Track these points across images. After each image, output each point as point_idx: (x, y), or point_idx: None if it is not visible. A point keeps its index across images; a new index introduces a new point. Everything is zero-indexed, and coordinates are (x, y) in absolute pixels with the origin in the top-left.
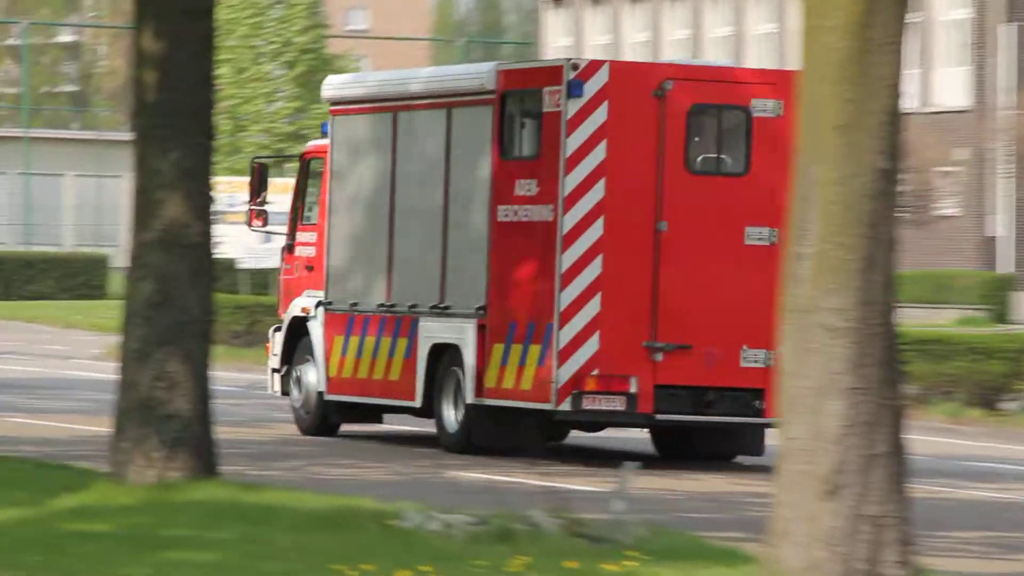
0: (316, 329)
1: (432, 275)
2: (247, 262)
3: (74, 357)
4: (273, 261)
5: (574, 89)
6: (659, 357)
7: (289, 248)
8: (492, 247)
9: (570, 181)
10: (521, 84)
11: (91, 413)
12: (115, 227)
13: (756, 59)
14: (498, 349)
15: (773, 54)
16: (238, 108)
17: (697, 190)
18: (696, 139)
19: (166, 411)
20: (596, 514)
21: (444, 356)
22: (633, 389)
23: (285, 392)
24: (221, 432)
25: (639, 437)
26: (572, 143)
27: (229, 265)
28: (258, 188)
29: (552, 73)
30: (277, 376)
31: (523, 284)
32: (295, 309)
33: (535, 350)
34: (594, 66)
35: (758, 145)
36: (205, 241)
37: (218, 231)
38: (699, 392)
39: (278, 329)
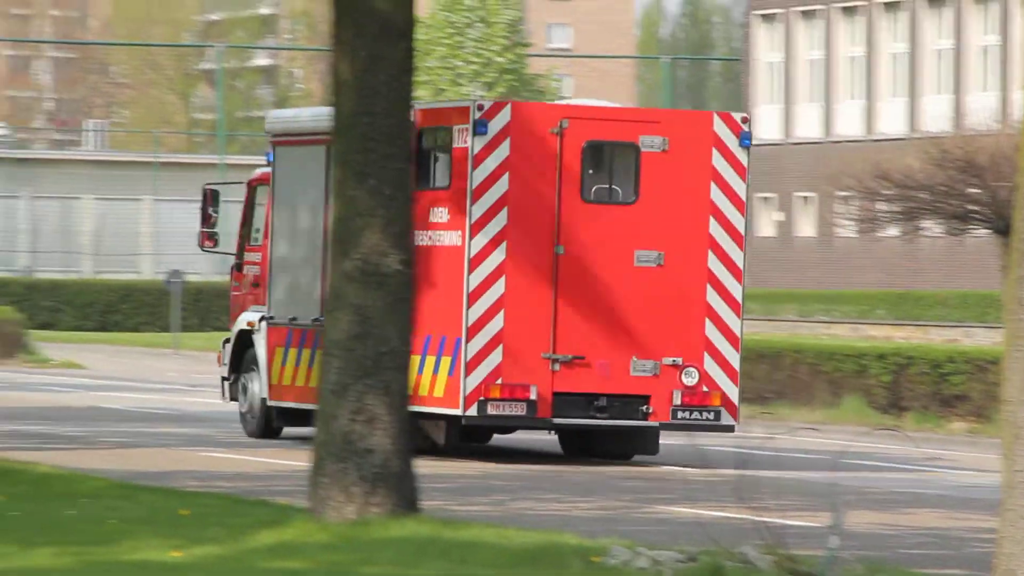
0: (260, 341)
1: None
2: None
3: None
4: None
5: (479, 127)
6: (557, 367)
7: (238, 267)
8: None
9: (476, 210)
10: (435, 122)
11: (290, 447)
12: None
13: (977, 73)
14: (415, 361)
15: (995, 67)
16: None
17: (591, 217)
18: (590, 172)
19: (365, 445)
20: (810, 550)
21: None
22: (533, 396)
23: (233, 398)
24: (421, 466)
25: (546, 439)
26: (478, 176)
27: None
28: (209, 212)
29: (461, 112)
30: (226, 384)
31: (436, 302)
32: (242, 323)
33: (446, 361)
34: (498, 107)
35: (646, 177)
36: (404, 270)
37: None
38: (593, 398)
39: (228, 341)
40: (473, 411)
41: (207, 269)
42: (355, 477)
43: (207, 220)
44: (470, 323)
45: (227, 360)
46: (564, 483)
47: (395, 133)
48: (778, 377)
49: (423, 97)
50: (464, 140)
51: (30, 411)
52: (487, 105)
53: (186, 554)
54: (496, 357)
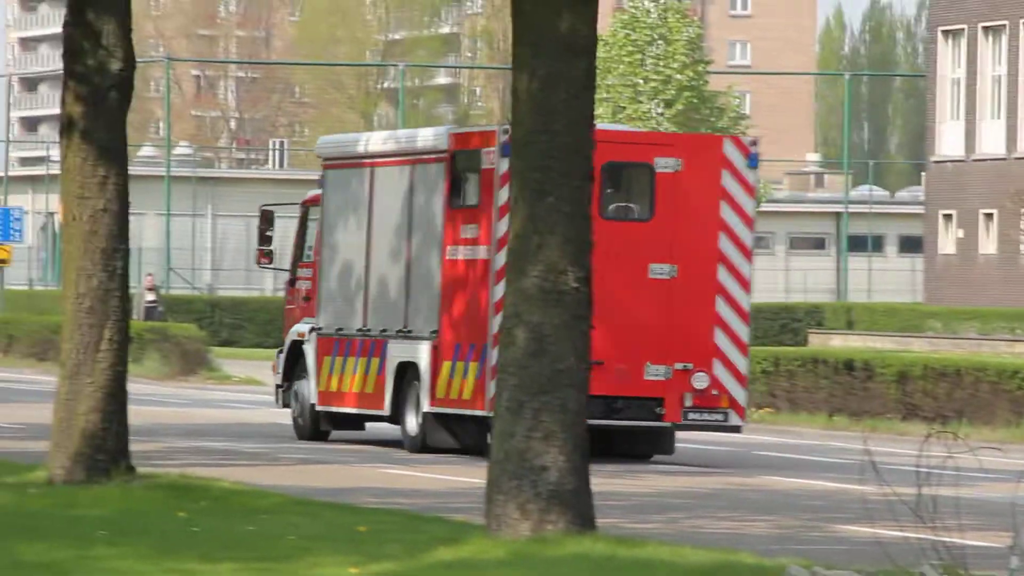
0: (310, 351)
1: (398, 305)
2: None
3: None
4: None
5: (505, 150)
6: None
7: (291, 282)
8: (443, 281)
9: (502, 226)
10: (466, 145)
11: (467, 464)
12: None
13: None
14: (446, 366)
15: None
16: None
17: (609, 233)
18: (608, 190)
19: (541, 463)
20: (991, 571)
21: (407, 372)
22: None
23: (286, 404)
24: (595, 483)
25: None
26: (504, 194)
27: None
28: (265, 231)
29: (489, 136)
30: (280, 391)
31: (465, 312)
32: (294, 334)
33: (474, 367)
34: None
35: (660, 196)
36: (582, 288)
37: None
38: (610, 401)
39: (281, 351)
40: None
41: None
42: (531, 494)
43: (263, 239)
44: (495, 331)
45: (281, 369)
46: (739, 500)
47: (574, 151)
48: (959, 396)
49: (603, 116)
50: (491, 162)
51: (212, 427)
52: (508, 127)
53: (364, 570)
54: None
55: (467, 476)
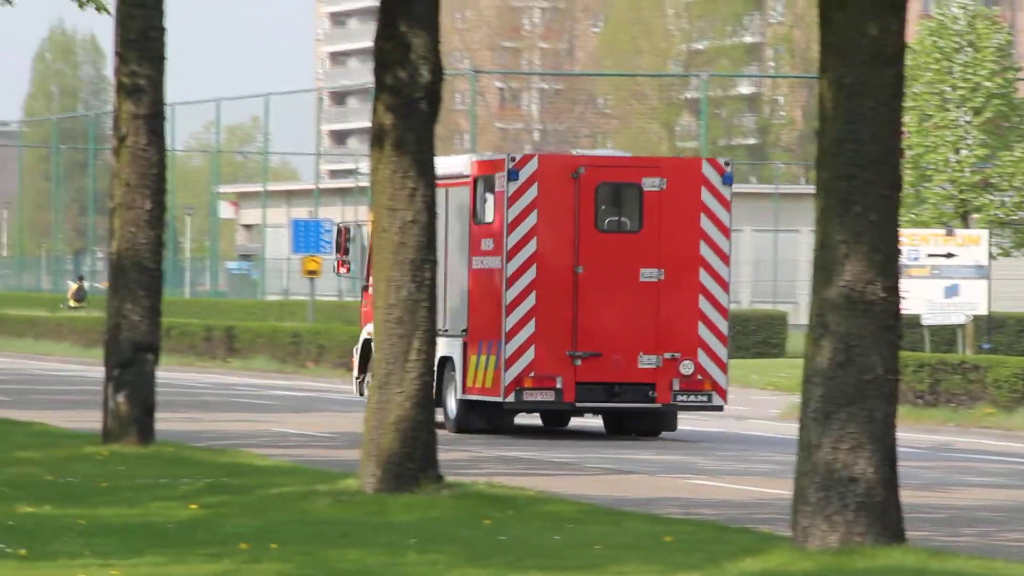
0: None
1: (442, 306)
2: (930, 318)
3: (752, 417)
4: (957, 317)
5: (512, 175)
6: (578, 362)
7: (365, 288)
8: (470, 287)
9: (511, 239)
10: (485, 171)
11: (771, 475)
12: (793, 283)
13: None
14: (473, 359)
15: None
16: (922, 157)
17: (604, 243)
18: (602, 207)
19: (849, 474)
20: None
21: (446, 365)
22: (559, 385)
23: (361, 393)
24: (905, 496)
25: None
26: (512, 212)
27: (912, 321)
28: (344, 244)
29: (500, 163)
30: (357, 382)
31: (486, 313)
32: (365, 333)
33: (492, 360)
34: (527, 158)
35: (648, 210)
36: (890, 297)
37: (902, 286)
38: (608, 386)
39: (356, 348)
40: (512, 398)
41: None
42: (838, 506)
43: (341, 250)
44: (508, 328)
45: (356, 363)
46: None
47: (881, 160)
48: None
49: (909, 125)
50: (502, 185)
51: (518, 436)
52: (518, 157)
53: None
54: (529, 355)
55: (771, 487)
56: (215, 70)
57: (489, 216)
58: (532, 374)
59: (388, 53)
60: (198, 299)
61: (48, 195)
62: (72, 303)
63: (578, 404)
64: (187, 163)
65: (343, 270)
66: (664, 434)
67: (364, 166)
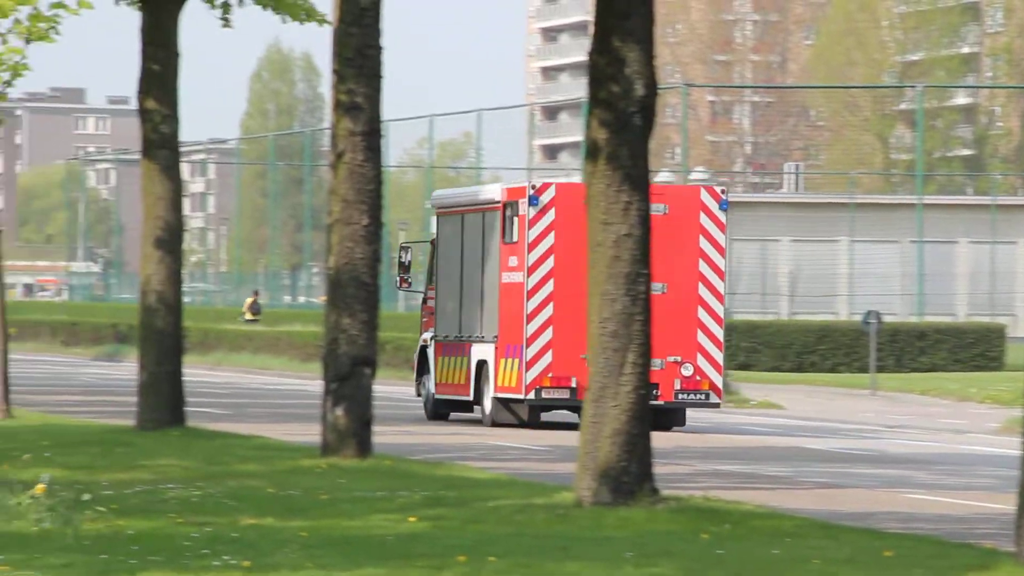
0: (430, 353)
1: (476, 316)
2: None
3: (970, 431)
4: None
5: (533, 200)
6: None
7: (424, 301)
8: (500, 299)
9: (532, 257)
10: (511, 197)
11: (991, 490)
12: (1011, 295)
13: None
14: (503, 362)
15: None
16: None
17: None
18: None
19: None
20: None
21: (483, 367)
22: (574, 384)
23: (419, 394)
24: None
25: None
26: (532, 233)
27: None
28: (404, 262)
29: (523, 191)
30: (416, 384)
31: (512, 321)
32: (422, 340)
33: (516, 362)
34: (546, 186)
35: (653, 232)
36: None
37: None
38: None
39: (415, 353)
40: (532, 395)
41: (903, 310)
42: None
43: (403, 268)
44: (529, 335)
45: (416, 367)
46: None
47: None
48: None
49: None
50: (525, 209)
51: (732, 451)
52: (539, 185)
53: None
54: (548, 358)
55: (992, 502)
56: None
57: (515, 236)
58: (550, 375)
59: (602, 68)
60: (412, 313)
61: (265, 211)
62: (248, 315)
63: None
64: (401, 179)
65: (404, 285)
66: (876, 448)
67: (575, 180)
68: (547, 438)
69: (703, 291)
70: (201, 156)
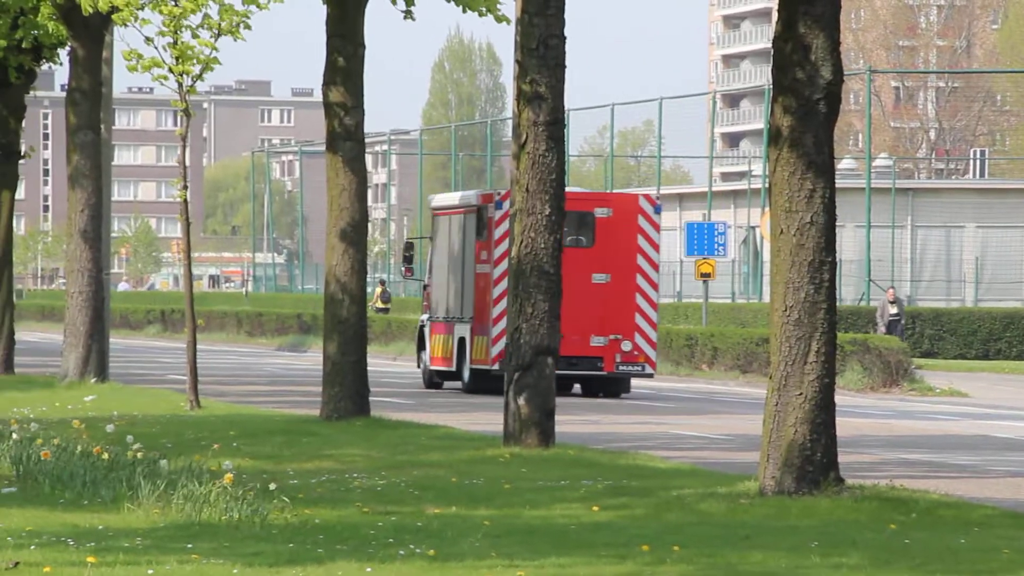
0: (426, 331)
1: (457, 300)
2: None
3: None
4: None
5: (498, 205)
6: None
7: (424, 288)
8: (475, 286)
9: (497, 251)
10: (484, 202)
11: None
12: None
13: None
14: (476, 339)
15: None
16: None
17: (567, 255)
18: (566, 229)
19: None
20: None
21: (463, 343)
22: None
23: (419, 367)
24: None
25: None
26: (497, 232)
27: None
28: (409, 255)
29: (492, 196)
30: (416, 358)
31: (482, 305)
32: (420, 320)
33: (486, 339)
34: (508, 193)
35: (599, 231)
36: None
37: None
38: (568, 359)
39: (415, 331)
40: (496, 366)
41: None
42: None
43: (407, 259)
44: (494, 316)
45: (416, 343)
46: None
47: None
48: None
49: None
50: (492, 212)
51: (917, 439)
52: (503, 192)
53: None
54: None
55: None
56: (609, 75)
57: (484, 235)
58: None
59: (787, 54)
60: None
61: None
62: (379, 304)
63: None
64: (581, 167)
65: (408, 274)
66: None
67: (757, 168)
68: (727, 427)
69: (640, 281)
70: (383, 147)
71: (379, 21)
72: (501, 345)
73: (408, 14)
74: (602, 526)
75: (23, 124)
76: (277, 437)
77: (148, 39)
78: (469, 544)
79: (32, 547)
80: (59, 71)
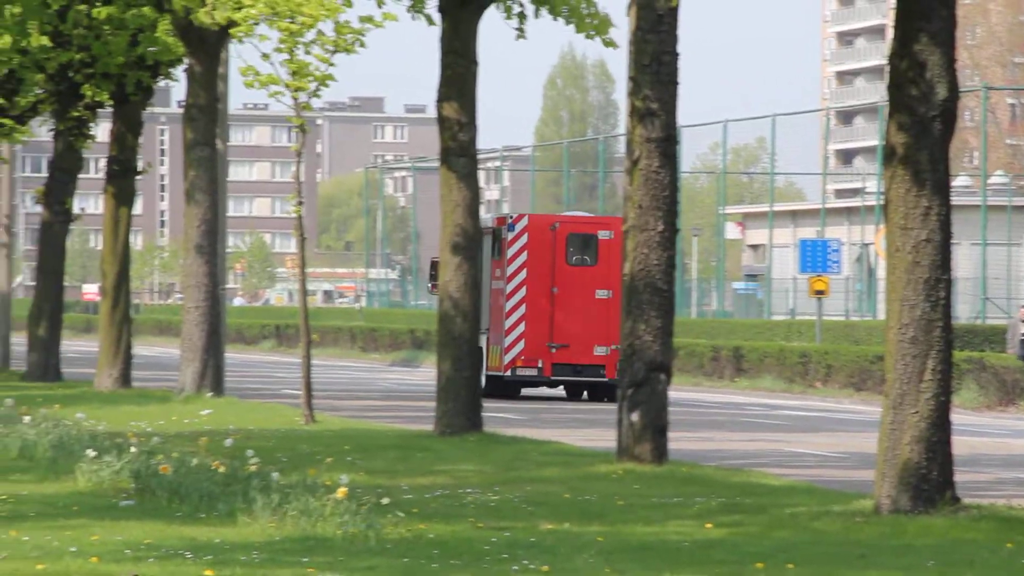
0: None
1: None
2: None
3: None
4: None
5: (510, 227)
6: (554, 350)
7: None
8: (490, 300)
9: (509, 269)
10: (498, 224)
11: None
12: None
13: None
14: (492, 348)
15: None
16: None
17: (572, 273)
18: (571, 249)
19: None
20: None
21: (482, 351)
22: (540, 365)
23: None
24: None
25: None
26: (510, 252)
27: None
28: (434, 272)
29: (504, 219)
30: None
31: (495, 317)
32: None
33: (499, 348)
34: (520, 216)
35: (601, 252)
36: None
37: None
38: (573, 366)
39: None
40: (509, 373)
41: None
42: None
43: (433, 276)
44: (506, 328)
45: None
46: None
47: None
48: None
49: None
50: (505, 234)
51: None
52: (515, 216)
53: None
54: (521, 345)
55: None
56: (721, 92)
57: (497, 254)
58: (523, 357)
59: (903, 71)
60: (705, 319)
61: None
62: None
63: (553, 377)
64: (693, 184)
65: (434, 290)
66: None
67: (871, 185)
68: (842, 444)
69: None
70: (496, 163)
71: (492, 38)
72: (512, 354)
73: (520, 32)
74: (716, 543)
75: (140, 140)
76: (391, 452)
77: (264, 55)
78: (583, 560)
79: (150, 560)
80: (176, 88)
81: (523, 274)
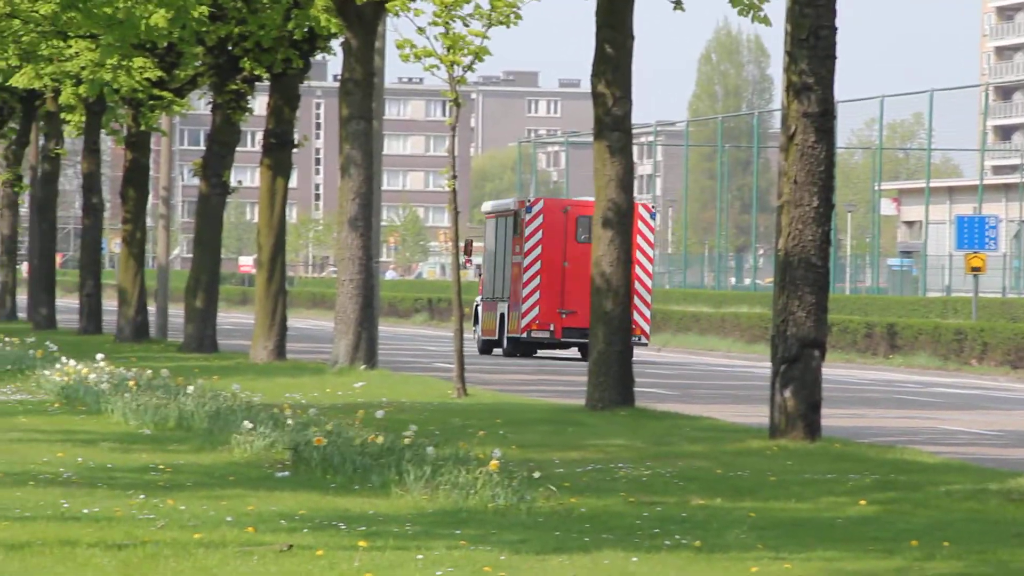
0: (480, 309)
1: (499, 284)
2: None
3: None
4: None
5: (527, 209)
6: (564, 316)
7: (479, 275)
8: (511, 273)
9: (527, 246)
10: (519, 206)
11: None
12: None
13: None
14: (512, 314)
15: None
16: None
17: (581, 249)
18: (580, 229)
19: None
20: None
21: (503, 318)
22: (552, 328)
23: (474, 337)
24: None
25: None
26: (527, 231)
27: None
28: (468, 249)
29: (523, 202)
30: (473, 331)
31: (515, 287)
32: (476, 300)
33: (517, 314)
34: (536, 200)
35: None
36: None
37: None
38: (581, 330)
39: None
40: (525, 335)
41: None
42: None
43: (467, 251)
44: (523, 296)
45: (472, 318)
46: None
47: None
48: None
49: None
50: (524, 215)
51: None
52: (532, 199)
53: None
54: (535, 311)
55: None
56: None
57: (518, 233)
58: (537, 322)
59: None
60: (858, 296)
61: (711, 193)
62: None
63: (563, 339)
64: (848, 160)
65: (468, 263)
66: None
67: None
68: (998, 422)
69: (638, 270)
70: (649, 138)
71: (648, 12)
72: (528, 319)
73: (678, 4)
74: (869, 520)
75: (297, 114)
76: (542, 426)
77: (420, 29)
78: (735, 536)
79: (305, 530)
80: (332, 61)
81: (538, 250)
